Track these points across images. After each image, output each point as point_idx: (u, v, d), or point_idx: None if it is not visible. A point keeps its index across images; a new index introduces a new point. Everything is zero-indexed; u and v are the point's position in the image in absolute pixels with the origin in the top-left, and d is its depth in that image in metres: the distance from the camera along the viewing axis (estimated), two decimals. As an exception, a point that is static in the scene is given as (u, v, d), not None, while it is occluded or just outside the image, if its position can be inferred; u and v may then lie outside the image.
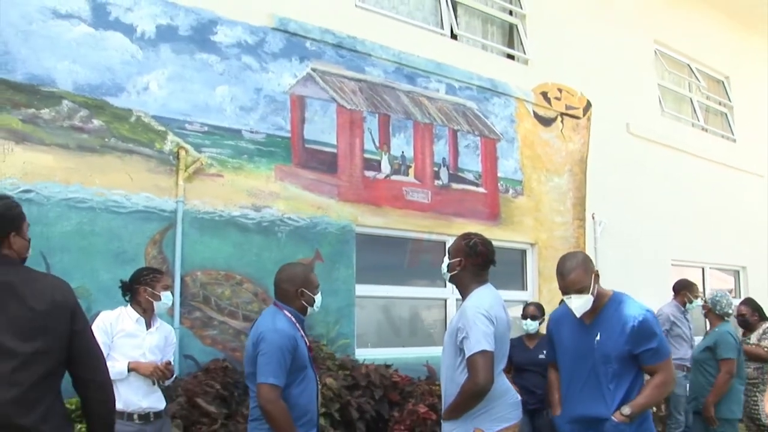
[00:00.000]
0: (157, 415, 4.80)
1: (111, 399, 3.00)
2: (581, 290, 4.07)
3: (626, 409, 3.95)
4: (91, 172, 5.89)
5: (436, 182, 8.15)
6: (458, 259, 4.13)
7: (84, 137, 5.92)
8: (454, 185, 8.31)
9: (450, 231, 7.85)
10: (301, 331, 4.11)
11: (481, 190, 8.54)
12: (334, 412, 6.00)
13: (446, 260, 4.23)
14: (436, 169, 8.16)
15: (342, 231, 7.29)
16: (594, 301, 4.12)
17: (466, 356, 3.85)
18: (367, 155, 7.62)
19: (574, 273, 4.10)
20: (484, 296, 4.05)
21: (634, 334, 3.97)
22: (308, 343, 4.19)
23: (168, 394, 5.15)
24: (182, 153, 6.34)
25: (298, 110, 7.19)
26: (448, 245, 8.03)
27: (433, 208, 8.06)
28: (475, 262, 4.12)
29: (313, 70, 7.35)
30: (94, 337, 3.02)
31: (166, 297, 4.91)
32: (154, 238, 6.12)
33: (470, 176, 8.48)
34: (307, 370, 4.08)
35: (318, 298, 4.27)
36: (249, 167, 6.76)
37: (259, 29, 7.06)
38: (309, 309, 4.22)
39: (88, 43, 6.08)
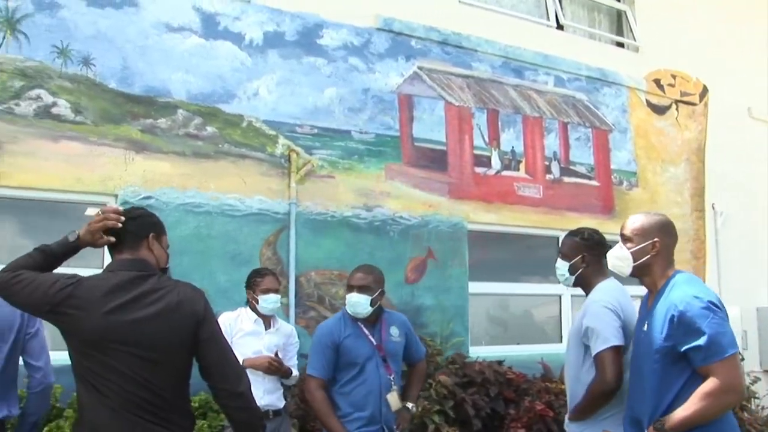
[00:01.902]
0: (276, 413, 4.76)
1: (246, 406, 2.91)
2: (625, 239, 3.36)
3: (659, 424, 3.06)
4: (206, 177, 5.99)
5: (548, 177, 7.88)
6: (580, 256, 3.85)
7: (199, 144, 6.03)
8: (566, 179, 8.02)
9: (563, 226, 7.57)
10: (364, 330, 4.21)
11: (593, 183, 8.21)
12: (449, 409, 5.87)
13: (563, 263, 3.88)
14: (547, 163, 7.90)
15: (454, 228, 7.14)
16: (648, 276, 3.33)
17: (593, 353, 3.57)
18: (476, 151, 7.44)
19: (633, 217, 3.42)
20: (609, 289, 3.77)
21: (674, 327, 3.04)
22: (375, 343, 4.20)
23: (288, 393, 5.12)
24: (293, 156, 6.37)
25: (406, 109, 7.09)
26: (561, 240, 7.87)
27: (545, 203, 7.80)
28: (596, 254, 3.84)
29: (420, 68, 7.24)
30: (225, 346, 2.96)
31: (264, 300, 4.83)
32: (269, 240, 6.15)
33: (582, 169, 8.16)
34: (363, 367, 4.14)
35: (351, 299, 4.23)
36: (359, 167, 6.71)
37: (364, 30, 7.00)
38: (353, 309, 4.24)
39: (199, 53, 6.21)
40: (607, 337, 3.53)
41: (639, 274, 3.36)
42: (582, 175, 8.12)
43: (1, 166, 5.38)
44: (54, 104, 5.61)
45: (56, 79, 5.65)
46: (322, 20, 6.79)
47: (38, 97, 5.58)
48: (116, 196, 5.67)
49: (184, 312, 2.81)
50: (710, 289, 3.18)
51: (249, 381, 2.94)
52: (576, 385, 3.73)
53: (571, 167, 8.07)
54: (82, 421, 2.78)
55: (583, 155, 8.18)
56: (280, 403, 4.81)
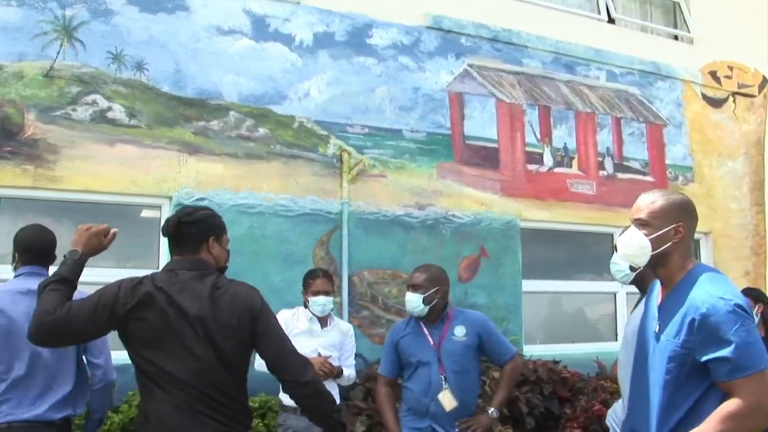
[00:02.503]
0: None
1: (315, 393, 2.94)
2: (642, 223, 2.73)
3: None
4: (258, 178, 6.01)
5: (601, 173, 7.70)
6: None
7: (251, 145, 6.05)
8: (620, 175, 7.82)
9: (617, 222, 7.40)
10: (423, 329, 4.21)
11: (648, 178, 7.99)
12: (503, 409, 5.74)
13: (625, 261, 3.71)
14: (600, 159, 7.72)
15: (506, 226, 7.02)
16: (664, 268, 2.74)
17: None
18: (528, 148, 7.30)
19: (648, 196, 2.80)
20: None
21: (695, 333, 2.49)
22: (433, 342, 4.17)
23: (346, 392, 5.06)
24: (345, 155, 6.33)
25: (457, 107, 7.00)
26: (616, 237, 7.69)
27: (599, 199, 7.61)
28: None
29: (470, 65, 7.14)
30: (284, 338, 2.98)
31: (314, 302, 4.79)
32: (321, 240, 6.13)
33: (636, 165, 7.96)
34: (418, 366, 4.16)
35: (406, 298, 4.28)
36: (411, 166, 6.65)
37: (414, 29, 6.94)
38: (407, 308, 4.30)
39: (250, 55, 6.22)
40: None
41: (655, 264, 2.74)
42: (636, 171, 7.92)
43: (60, 170, 5.46)
44: (109, 109, 5.68)
45: (111, 84, 5.73)
46: (371, 20, 6.75)
47: (94, 102, 5.66)
48: (170, 198, 5.72)
49: (240, 309, 2.85)
50: (737, 290, 2.60)
51: (315, 369, 2.97)
52: None
53: (625, 163, 7.87)
54: (147, 419, 2.80)
55: (636, 151, 7.97)
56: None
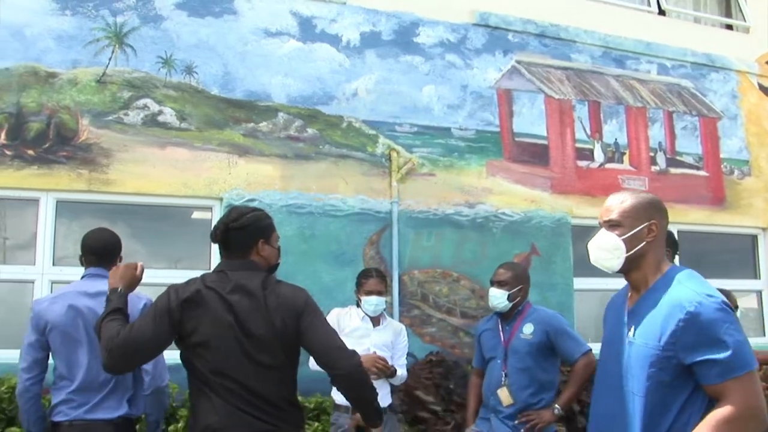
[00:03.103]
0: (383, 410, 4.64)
1: (360, 384, 2.95)
2: (613, 224, 2.55)
3: None
4: (308, 178, 5.99)
5: (653, 168, 7.49)
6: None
7: (300, 146, 6.04)
8: (673, 170, 7.60)
9: (671, 218, 7.10)
10: (499, 326, 4.44)
11: (702, 173, 7.75)
12: None
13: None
14: (652, 154, 7.51)
15: (557, 224, 6.87)
16: (638, 271, 2.54)
17: None
18: (578, 145, 7.14)
19: (618, 196, 2.65)
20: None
21: (681, 334, 2.29)
22: (503, 338, 4.37)
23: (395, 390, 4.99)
24: (394, 155, 6.28)
25: (505, 104, 6.89)
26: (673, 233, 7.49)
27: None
28: (670, 256, 3.77)
29: (518, 62, 7.01)
30: (329, 331, 2.97)
31: (366, 302, 4.74)
32: (371, 239, 6.08)
33: (690, 159, 7.72)
34: (491, 360, 4.41)
35: (490, 293, 4.47)
36: (460, 164, 6.56)
37: (461, 26, 6.84)
38: (492, 303, 4.51)
39: (298, 56, 6.21)
40: None
41: (628, 268, 2.54)
42: (690, 166, 7.69)
43: (113, 174, 5.53)
44: (160, 112, 5.73)
45: (162, 88, 5.78)
46: (417, 18, 6.68)
47: (145, 107, 5.71)
48: (221, 199, 5.73)
49: (285, 309, 2.86)
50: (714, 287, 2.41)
51: (360, 360, 2.95)
52: None
53: (678, 158, 7.65)
54: (196, 421, 2.81)
55: (690, 145, 7.74)
56: (386, 401, 4.67)
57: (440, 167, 6.46)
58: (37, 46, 5.60)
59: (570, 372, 4.43)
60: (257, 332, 2.79)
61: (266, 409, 2.77)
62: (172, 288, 2.86)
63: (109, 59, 5.71)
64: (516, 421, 4.21)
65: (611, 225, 2.56)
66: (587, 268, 6.95)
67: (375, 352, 4.62)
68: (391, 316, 5.84)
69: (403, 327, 5.07)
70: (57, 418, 3.45)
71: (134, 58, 5.77)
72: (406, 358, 4.92)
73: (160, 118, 5.72)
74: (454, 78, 6.72)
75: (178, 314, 2.77)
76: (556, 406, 4.26)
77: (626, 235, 2.51)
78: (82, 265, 3.76)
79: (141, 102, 5.70)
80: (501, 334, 4.39)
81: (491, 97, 6.85)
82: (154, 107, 5.72)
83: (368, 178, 6.18)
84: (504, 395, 4.23)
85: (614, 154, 7.30)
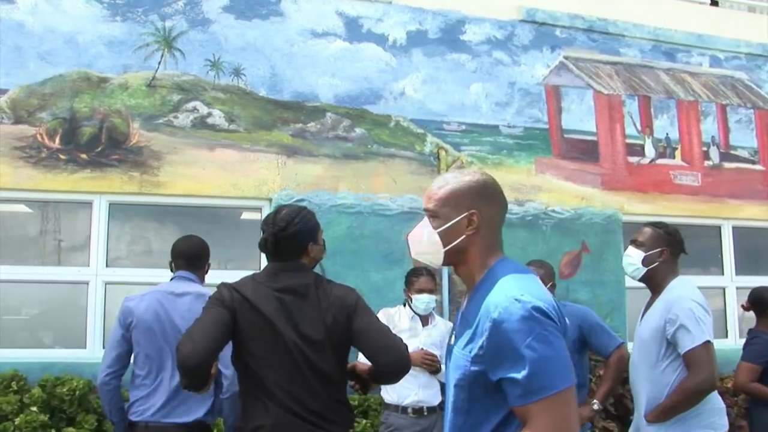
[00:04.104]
0: (432, 409, 4.54)
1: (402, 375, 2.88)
2: (430, 213, 2.08)
3: None
4: (356, 178, 5.94)
5: (706, 163, 7.24)
6: (658, 249, 3.46)
7: (348, 146, 5.99)
8: (727, 164, 7.34)
9: (725, 214, 7.03)
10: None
11: (758, 167, 7.47)
12: (608, 405, 5.57)
13: (637, 252, 3.49)
14: (704, 148, 7.26)
15: (608, 220, 6.69)
16: (464, 266, 2.07)
17: (686, 350, 3.20)
18: (629, 140, 6.94)
19: (438, 180, 2.13)
20: (691, 286, 3.41)
21: (485, 345, 1.85)
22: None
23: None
24: (442, 153, 6.20)
25: (553, 100, 6.73)
26: (724, 229, 7.26)
27: (705, 190, 7.16)
28: (675, 253, 3.50)
29: (566, 57, 6.84)
30: (383, 329, 2.89)
31: (417, 300, 4.64)
32: None
33: (744, 153, 7.45)
34: None
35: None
36: (509, 162, 6.43)
37: (507, 23, 6.70)
38: None
39: (345, 56, 6.16)
40: (702, 331, 3.19)
41: (454, 263, 2.09)
42: (744, 160, 7.42)
43: (163, 176, 5.56)
44: (209, 115, 5.74)
45: (210, 91, 5.78)
46: (464, 16, 6.57)
47: (194, 109, 5.72)
48: (270, 200, 5.72)
49: (335, 308, 2.80)
50: (543, 288, 1.94)
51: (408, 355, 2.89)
52: (653, 386, 3.35)
53: (732, 152, 7.38)
54: (247, 421, 2.77)
55: (745, 138, 7.46)
56: (436, 400, 4.57)
57: (489, 165, 6.33)
58: (89, 53, 5.66)
59: (605, 366, 4.35)
60: (310, 333, 2.75)
61: (317, 410, 2.73)
62: (225, 288, 2.79)
63: (159, 63, 5.74)
64: None
65: (430, 215, 2.08)
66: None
67: (422, 349, 4.53)
68: (441, 315, 5.76)
69: (452, 326, 4.94)
70: (133, 418, 3.52)
71: (183, 62, 5.78)
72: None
73: (209, 121, 5.73)
74: (501, 75, 6.59)
75: (233, 315, 2.72)
76: (595, 401, 4.15)
77: (442, 228, 2.03)
78: (172, 270, 3.83)
79: (190, 105, 5.72)
80: None
81: (539, 93, 6.71)
82: (203, 110, 5.72)
83: (417, 177, 6.09)
84: None
85: (665, 149, 7.07)
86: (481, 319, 1.86)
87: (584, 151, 6.75)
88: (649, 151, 7.00)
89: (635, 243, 3.51)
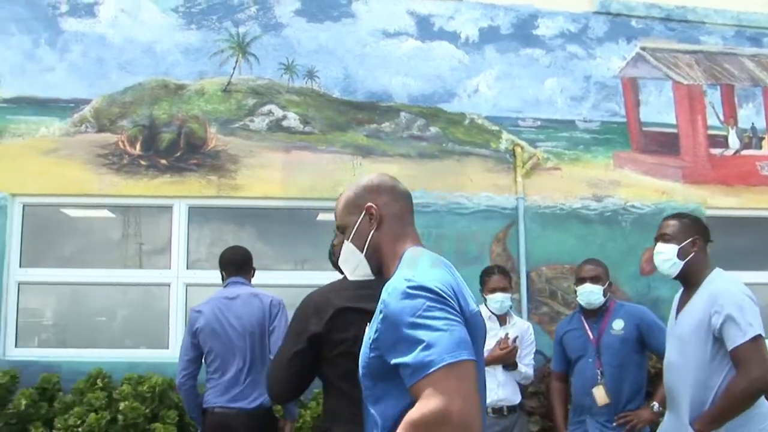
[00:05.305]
0: (511, 409, 4.40)
1: None
2: (339, 227, 2.16)
3: None
4: (432, 177, 5.84)
5: (796, 153, 6.85)
6: (691, 239, 3.17)
7: (423, 145, 5.90)
8: (818, 154, 6.93)
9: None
10: (584, 324, 4.15)
11: None
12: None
13: (670, 247, 3.20)
14: (794, 138, 6.87)
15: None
16: (374, 262, 2.08)
17: (734, 346, 2.85)
18: (711, 132, 6.60)
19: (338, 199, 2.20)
20: (734, 278, 3.14)
21: (378, 327, 1.78)
22: (592, 336, 4.10)
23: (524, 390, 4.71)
24: (518, 150, 6.04)
25: (631, 93, 6.47)
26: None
27: (795, 182, 6.77)
28: (707, 240, 3.25)
29: (643, 48, 6.56)
30: None
31: (491, 300, 4.51)
32: (498, 236, 5.86)
33: (838, 142, 7.03)
34: (578, 360, 4.13)
35: (584, 290, 4.16)
36: (586, 157, 6.20)
37: (581, 15, 6.47)
38: (587, 299, 4.18)
39: (417, 55, 6.08)
40: (752, 324, 2.85)
41: (376, 265, 2.04)
42: (836, 149, 6.99)
43: (241, 179, 5.61)
44: (284, 117, 5.75)
45: (285, 94, 5.80)
46: (536, 10, 6.38)
47: (270, 113, 5.74)
48: (347, 201, 5.59)
49: None
50: (445, 272, 1.85)
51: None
52: (700, 392, 2.97)
53: (823, 141, 6.97)
54: (325, 416, 2.72)
55: (838, 126, 7.03)
56: (516, 399, 4.45)
57: (566, 161, 6.14)
58: (166, 61, 5.76)
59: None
60: None
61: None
62: (314, 315, 2.61)
63: (233, 68, 5.80)
64: (614, 423, 3.94)
65: (340, 231, 2.11)
66: (723, 262, 6.42)
67: (505, 336, 4.43)
68: (520, 313, 5.62)
69: (530, 326, 4.83)
70: (204, 406, 3.96)
71: (257, 66, 5.82)
72: (535, 357, 4.64)
73: (285, 123, 5.74)
74: (576, 69, 6.37)
75: (323, 328, 2.58)
76: (655, 403, 3.93)
77: (351, 234, 2.03)
78: (223, 279, 4.20)
79: (265, 108, 5.74)
80: (588, 332, 4.11)
81: (616, 86, 6.46)
82: (278, 113, 5.73)
83: (493, 175, 5.96)
84: (599, 394, 3.96)
85: (751, 139, 6.70)
86: (381, 303, 1.78)
87: (664, 144, 6.46)
88: (733, 142, 6.65)
89: (663, 238, 3.23)
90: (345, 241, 2.06)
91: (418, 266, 1.83)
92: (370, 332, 1.84)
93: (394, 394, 1.77)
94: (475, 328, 1.79)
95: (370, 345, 1.80)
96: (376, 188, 2.06)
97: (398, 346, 1.68)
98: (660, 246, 3.24)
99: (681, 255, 3.17)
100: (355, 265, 2.06)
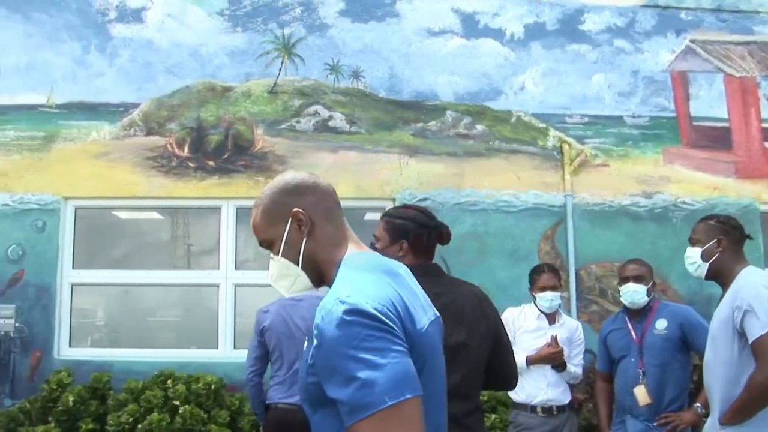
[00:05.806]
0: (561, 408, 4.31)
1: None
2: (265, 244, 1.91)
3: None
4: (479, 175, 5.78)
5: None
6: (715, 240, 3.15)
7: (469, 143, 5.85)
8: None
9: None
10: (628, 324, 4.09)
11: None
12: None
13: (694, 250, 3.20)
14: None
15: (744, 211, 6.19)
16: (313, 273, 1.84)
17: (754, 338, 2.79)
18: (765, 125, 6.42)
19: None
20: (762, 273, 3.10)
21: (314, 352, 1.55)
22: (635, 336, 4.03)
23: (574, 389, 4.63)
24: (566, 147, 5.95)
25: (680, 87, 6.31)
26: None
27: None
28: (735, 239, 3.17)
29: (692, 41, 6.40)
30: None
31: (540, 298, 4.42)
32: (546, 234, 5.78)
33: None
34: (621, 360, 4.07)
35: (628, 289, 4.11)
36: (635, 153, 6.08)
37: (628, 9, 6.34)
38: (631, 299, 4.13)
39: (462, 54, 6.02)
40: None
41: (317, 276, 1.80)
42: None
43: None
44: (330, 118, 5.74)
45: (330, 94, 5.79)
46: (582, 5, 6.27)
47: (316, 113, 5.74)
48: (394, 199, 5.65)
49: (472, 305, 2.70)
50: (386, 285, 1.61)
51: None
52: (725, 384, 2.94)
53: None
54: None
55: None
56: (566, 398, 4.36)
57: (614, 157, 6.04)
58: (212, 63, 5.78)
59: None
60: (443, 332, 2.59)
61: (462, 420, 2.56)
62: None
63: (279, 70, 5.81)
64: (655, 423, 3.87)
65: (265, 246, 1.84)
66: (780, 257, 6.26)
67: (553, 337, 4.34)
68: (569, 312, 5.54)
69: (579, 325, 4.73)
70: (268, 401, 4.11)
71: (303, 67, 5.82)
72: (585, 356, 4.55)
73: (331, 124, 5.73)
74: (624, 64, 6.25)
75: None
76: (698, 405, 3.84)
77: (281, 248, 1.78)
78: None
79: (311, 109, 5.74)
80: (632, 331, 4.05)
81: (665, 81, 6.32)
82: (324, 113, 5.72)
83: (540, 172, 5.88)
84: (641, 393, 3.91)
85: (808, 132, 6.51)
86: (314, 327, 1.55)
87: (716, 138, 6.30)
88: (791, 135, 6.47)
89: (691, 242, 3.24)
90: (273, 257, 1.79)
91: (355, 280, 1.60)
92: (306, 355, 1.61)
93: (333, 424, 1.57)
94: (429, 345, 1.63)
95: (307, 370, 1.59)
96: (297, 189, 1.79)
97: (334, 379, 1.49)
98: (688, 250, 3.25)
99: (705, 257, 3.16)
100: (292, 280, 1.81)
